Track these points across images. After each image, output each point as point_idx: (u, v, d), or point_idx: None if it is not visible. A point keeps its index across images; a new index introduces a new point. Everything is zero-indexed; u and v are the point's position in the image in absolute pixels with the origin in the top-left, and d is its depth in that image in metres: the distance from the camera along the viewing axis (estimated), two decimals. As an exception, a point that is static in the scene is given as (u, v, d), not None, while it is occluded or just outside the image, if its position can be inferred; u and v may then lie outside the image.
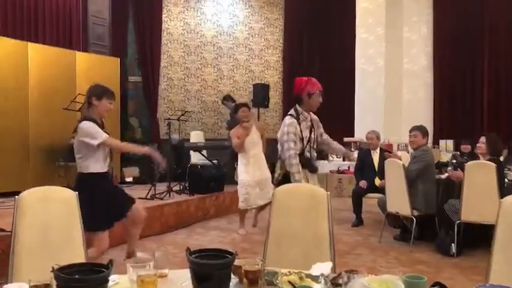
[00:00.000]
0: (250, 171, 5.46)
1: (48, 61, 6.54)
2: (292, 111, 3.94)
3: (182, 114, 6.95)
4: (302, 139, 3.87)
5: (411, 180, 4.80)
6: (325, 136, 4.22)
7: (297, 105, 3.93)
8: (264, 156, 5.63)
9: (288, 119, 3.89)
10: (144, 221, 3.85)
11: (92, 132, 3.29)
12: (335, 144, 4.34)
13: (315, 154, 4.06)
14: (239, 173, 5.58)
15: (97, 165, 3.37)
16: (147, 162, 7.31)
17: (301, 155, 3.85)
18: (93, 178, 3.36)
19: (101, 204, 3.28)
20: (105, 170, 3.46)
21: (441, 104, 9.54)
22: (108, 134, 3.42)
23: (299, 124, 3.84)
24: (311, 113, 3.99)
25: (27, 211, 2.08)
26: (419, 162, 4.90)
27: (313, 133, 3.97)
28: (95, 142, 3.28)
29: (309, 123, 3.94)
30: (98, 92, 3.39)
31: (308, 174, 3.90)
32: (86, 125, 3.31)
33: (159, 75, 9.64)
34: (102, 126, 3.43)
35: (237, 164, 5.85)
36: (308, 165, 3.90)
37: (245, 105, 5.78)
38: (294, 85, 3.97)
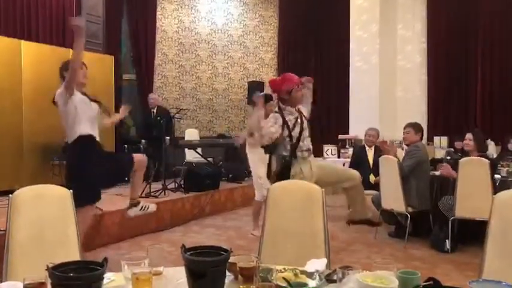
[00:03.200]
0: (263, 166, 5.21)
1: (42, 59, 6.50)
2: (276, 108, 3.92)
3: (177, 112, 6.94)
4: (290, 133, 3.79)
5: (404, 177, 4.82)
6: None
7: (280, 103, 3.88)
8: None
9: (272, 115, 3.85)
10: (145, 165, 3.83)
11: (59, 92, 3.44)
12: None
13: (309, 141, 3.94)
14: (257, 168, 5.20)
15: (84, 127, 3.40)
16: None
17: (296, 147, 3.79)
18: (81, 141, 3.39)
19: (91, 173, 3.31)
20: (93, 133, 3.47)
21: (435, 100, 9.56)
22: (98, 102, 3.53)
23: (284, 118, 3.77)
24: (300, 108, 3.94)
25: (21, 209, 2.07)
26: (412, 159, 4.93)
27: (304, 122, 3.89)
28: (61, 89, 3.42)
29: (296, 115, 3.86)
30: (65, 64, 3.55)
31: (302, 164, 3.83)
32: (60, 89, 3.47)
33: (154, 73, 9.63)
34: (86, 96, 3.51)
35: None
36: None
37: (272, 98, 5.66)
38: (272, 88, 3.93)
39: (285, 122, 3.77)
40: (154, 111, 7.77)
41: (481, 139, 4.77)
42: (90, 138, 3.41)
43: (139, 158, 3.76)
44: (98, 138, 3.49)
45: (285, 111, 3.82)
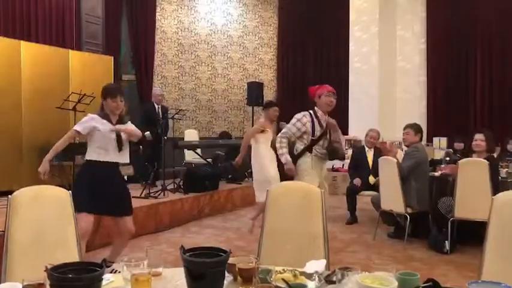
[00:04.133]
0: (273, 166, 5.16)
1: (42, 60, 6.51)
2: (310, 111, 4.32)
3: (176, 113, 6.92)
4: (313, 134, 4.22)
5: (404, 178, 4.82)
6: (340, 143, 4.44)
7: (315, 107, 4.32)
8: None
9: (301, 114, 4.29)
10: (131, 236, 3.83)
11: (81, 122, 3.57)
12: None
13: (324, 152, 4.33)
14: (265, 167, 5.18)
15: (93, 153, 3.55)
16: (142, 161, 7.30)
17: (311, 146, 4.23)
18: (87, 164, 3.58)
19: (83, 188, 3.42)
20: (102, 158, 3.53)
21: (435, 101, 9.58)
22: (118, 128, 3.56)
23: (313, 120, 4.22)
24: (328, 117, 4.35)
25: (20, 210, 2.07)
26: (411, 159, 4.93)
27: (327, 132, 4.29)
28: (72, 128, 3.59)
29: (323, 122, 4.27)
30: (103, 93, 3.61)
31: (314, 162, 4.24)
32: (87, 116, 3.60)
33: (153, 74, 9.63)
34: (118, 121, 3.61)
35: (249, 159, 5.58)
36: (333, 153, 4.34)
37: (277, 105, 5.73)
38: (309, 93, 4.42)
39: (312, 120, 4.23)
40: (159, 108, 7.35)
41: (492, 139, 4.71)
42: (96, 163, 3.54)
43: (130, 225, 3.74)
44: (108, 159, 3.55)
45: (317, 113, 4.28)
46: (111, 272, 3.72)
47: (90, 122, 3.53)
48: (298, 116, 4.28)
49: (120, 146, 3.57)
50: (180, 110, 7.21)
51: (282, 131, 4.36)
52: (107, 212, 3.60)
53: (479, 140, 4.66)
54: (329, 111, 4.35)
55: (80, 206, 3.27)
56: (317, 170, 4.27)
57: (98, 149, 3.53)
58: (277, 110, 5.51)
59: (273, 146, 4.98)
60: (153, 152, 6.90)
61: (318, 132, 4.23)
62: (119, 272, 3.77)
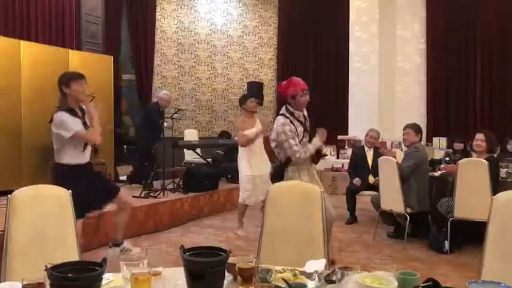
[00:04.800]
0: (254, 165, 5.30)
1: (41, 59, 6.50)
2: (283, 111, 3.91)
3: (175, 112, 6.90)
4: (297, 135, 3.85)
5: (404, 178, 4.82)
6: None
7: (287, 104, 3.91)
8: (264, 151, 5.51)
9: (281, 118, 3.84)
10: (130, 207, 3.81)
11: (64, 125, 3.34)
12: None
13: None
14: (242, 167, 5.35)
15: (71, 157, 3.41)
16: (142, 161, 7.30)
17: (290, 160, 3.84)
18: (65, 169, 3.41)
19: (75, 194, 3.34)
20: (80, 161, 3.47)
21: (434, 101, 9.58)
22: (85, 122, 3.44)
23: (292, 122, 3.81)
24: (306, 116, 4.00)
25: (19, 210, 2.07)
26: (411, 160, 4.93)
27: (307, 128, 3.96)
28: (67, 135, 3.34)
29: (302, 120, 3.91)
30: (65, 79, 3.43)
31: (300, 167, 3.87)
32: (60, 116, 3.36)
33: (153, 73, 9.63)
34: (82, 112, 3.47)
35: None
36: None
37: (252, 96, 5.75)
38: (279, 92, 3.99)
39: (292, 123, 3.80)
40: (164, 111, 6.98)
41: (493, 139, 4.70)
42: (76, 167, 3.44)
43: (127, 198, 3.72)
44: (84, 161, 3.49)
45: (294, 115, 3.84)
46: (121, 250, 3.73)
47: (71, 121, 3.38)
48: (280, 120, 3.81)
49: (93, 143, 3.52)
50: (179, 110, 7.18)
51: (293, 148, 3.74)
52: (102, 204, 3.60)
53: (479, 140, 4.65)
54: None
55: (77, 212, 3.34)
56: (305, 173, 3.87)
57: (74, 151, 3.43)
58: (253, 100, 5.45)
59: (268, 149, 4.99)
60: (151, 152, 6.94)
61: (301, 134, 3.85)
62: (131, 250, 3.76)
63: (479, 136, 4.66)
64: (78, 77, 3.44)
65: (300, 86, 3.82)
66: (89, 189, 3.46)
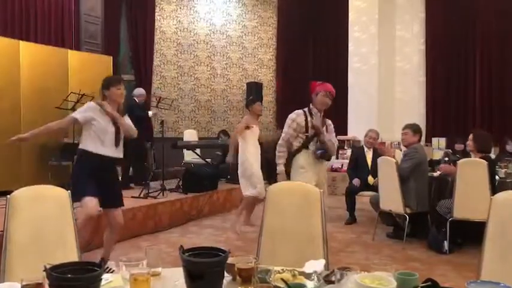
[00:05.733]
0: (255, 163, 5.49)
1: (41, 60, 6.51)
2: (306, 108, 4.29)
3: (159, 102, 7.03)
4: (307, 131, 4.18)
5: (403, 178, 4.83)
6: (330, 143, 4.31)
7: (310, 104, 4.29)
8: (259, 150, 5.64)
9: (297, 110, 4.28)
10: (120, 229, 3.85)
11: (81, 108, 3.63)
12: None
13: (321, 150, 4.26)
14: (248, 163, 5.43)
15: (89, 143, 3.58)
16: (141, 161, 7.30)
17: (307, 144, 4.20)
18: (82, 154, 3.61)
19: (83, 175, 3.52)
20: (100, 151, 3.57)
21: (434, 102, 9.58)
22: (117, 126, 3.60)
23: (306, 118, 4.19)
24: (326, 119, 4.33)
25: (19, 210, 2.06)
26: (410, 160, 4.93)
27: (318, 129, 4.22)
28: (69, 116, 3.67)
29: (318, 117, 4.24)
30: (105, 83, 3.66)
31: (310, 161, 4.19)
32: (88, 103, 3.67)
33: (152, 74, 9.63)
34: (119, 112, 3.65)
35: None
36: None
37: (260, 100, 6.15)
38: (310, 88, 4.37)
39: (305, 117, 4.21)
40: (145, 104, 7.50)
41: (482, 140, 4.72)
42: (92, 155, 3.58)
43: (121, 217, 3.76)
44: (106, 153, 3.59)
45: (312, 111, 4.26)
46: (106, 272, 3.73)
47: (88, 111, 3.57)
48: (291, 116, 4.27)
49: (117, 139, 3.61)
50: (161, 98, 7.31)
51: (281, 137, 4.31)
52: (101, 204, 3.61)
53: (469, 140, 4.75)
54: (325, 110, 4.33)
55: (83, 191, 3.44)
56: (314, 168, 4.20)
57: (94, 140, 3.56)
58: (260, 104, 5.78)
59: (265, 148, 5.19)
60: (140, 151, 6.99)
61: (310, 130, 4.20)
62: (113, 271, 3.79)
63: (470, 136, 4.77)
64: (117, 81, 3.68)
65: (326, 87, 4.27)
66: (96, 182, 3.48)
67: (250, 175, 5.42)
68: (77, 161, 3.71)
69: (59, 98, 6.04)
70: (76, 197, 3.32)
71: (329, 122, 4.38)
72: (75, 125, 3.79)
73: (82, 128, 3.67)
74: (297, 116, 4.23)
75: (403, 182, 4.82)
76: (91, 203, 3.45)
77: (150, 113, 7.13)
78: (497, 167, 4.93)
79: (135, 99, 7.39)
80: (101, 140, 3.56)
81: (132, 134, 3.76)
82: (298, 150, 4.22)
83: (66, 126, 3.89)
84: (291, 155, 4.24)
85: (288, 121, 4.27)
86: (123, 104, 3.74)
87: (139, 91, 7.56)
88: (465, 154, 5.92)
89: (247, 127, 5.47)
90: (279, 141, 4.31)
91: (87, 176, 3.50)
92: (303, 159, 4.19)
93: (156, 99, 7.37)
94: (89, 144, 3.57)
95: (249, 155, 5.46)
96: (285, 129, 4.28)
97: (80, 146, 3.64)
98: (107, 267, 3.71)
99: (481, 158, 4.54)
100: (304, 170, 4.15)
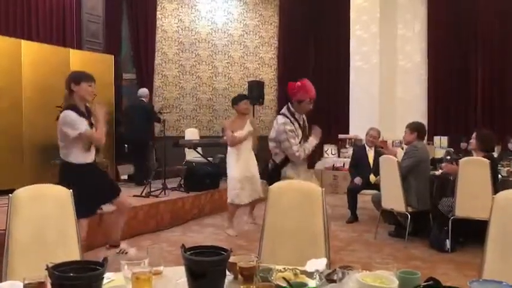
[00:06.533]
0: (242, 166, 5.32)
1: (42, 59, 6.51)
2: (285, 110, 3.95)
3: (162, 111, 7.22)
4: (297, 136, 3.90)
5: (403, 177, 4.82)
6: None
7: (289, 104, 3.95)
8: (253, 153, 5.51)
9: (281, 118, 3.89)
10: (128, 210, 3.85)
11: (71, 123, 3.37)
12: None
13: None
14: (230, 167, 5.37)
15: (78, 155, 3.44)
16: (142, 160, 7.30)
17: (288, 159, 3.88)
18: (72, 168, 3.44)
19: (79, 194, 3.35)
20: (86, 160, 3.51)
21: (435, 100, 9.57)
22: (91, 122, 3.47)
23: (292, 123, 3.86)
24: (305, 120, 4.06)
25: (21, 209, 2.07)
26: (410, 159, 4.93)
27: (305, 130, 4.02)
28: (73, 134, 3.37)
29: (301, 122, 3.98)
30: (76, 77, 3.49)
31: (300, 168, 3.95)
32: (67, 114, 3.40)
33: (154, 73, 9.62)
34: (88, 112, 3.49)
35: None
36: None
37: (246, 97, 5.77)
38: (287, 89, 4.00)
39: (292, 123, 3.85)
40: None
41: (486, 138, 4.71)
42: (82, 166, 3.47)
43: (126, 199, 3.76)
44: (90, 160, 3.52)
45: (295, 115, 3.90)
46: (118, 252, 3.75)
47: (80, 121, 3.41)
48: (285, 127, 3.83)
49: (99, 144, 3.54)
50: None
51: (293, 148, 3.83)
52: (104, 202, 3.62)
53: (472, 138, 4.74)
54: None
55: (80, 213, 3.37)
56: (303, 172, 3.97)
57: (80, 149, 3.45)
58: (246, 102, 5.51)
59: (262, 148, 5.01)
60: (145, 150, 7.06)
61: (299, 135, 3.92)
62: (127, 252, 3.79)
63: (474, 135, 4.75)
64: (90, 78, 3.51)
65: (310, 94, 3.88)
66: (96, 188, 3.49)
67: (229, 181, 5.38)
68: (68, 177, 3.43)
69: (60, 97, 5.97)
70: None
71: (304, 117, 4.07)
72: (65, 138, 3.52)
73: (60, 139, 3.49)
74: (288, 125, 3.84)
75: (404, 180, 4.82)
76: (84, 224, 3.42)
77: (161, 117, 7.18)
78: (499, 165, 4.92)
79: (143, 99, 7.56)
80: (85, 147, 3.46)
81: (101, 143, 3.60)
82: (284, 163, 3.89)
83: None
84: (275, 170, 3.91)
85: (286, 132, 3.81)
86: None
87: (145, 91, 7.68)
88: (467, 153, 5.91)
89: (232, 132, 5.32)
90: (294, 148, 3.82)
91: (83, 192, 3.43)
92: (291, 170, 3.89)
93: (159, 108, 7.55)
94: (75, 155, 3.45)
95: (231, 161, 5.35)
96: (292, 140, 3.81)
97: (66, 159, 3.47)
98: (121, 250, 3.71)
99: (483, 156, 4.53)
100: (296, 175, 3.88)
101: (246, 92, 9.90)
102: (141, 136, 7.25)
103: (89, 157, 3.52)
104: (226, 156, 5.56)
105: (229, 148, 5.45)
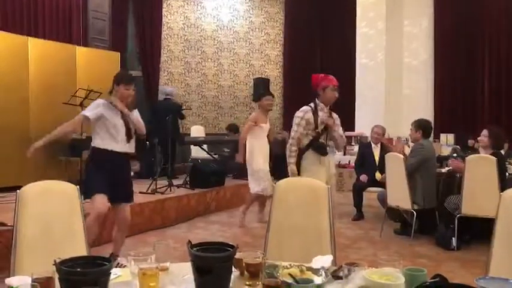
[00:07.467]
0: (264, 159, 5.54)
1: (48, 56, 6.53)
2: (311, 104, 4.21)
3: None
4: (316, 127, 4.12)
5: (409, 174, 4.80)
6: (339, 137, 4.31)
7: (316, 99, 4.21)
8: (268, 147, 5.69)
9: (304, 107, 4.20)
10: (128, 226, 3.87)
11: (90, 107, 3.62)
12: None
13: (330, 143, 4.27)
14: (254, 159, 5.48)
15: (100, 140, 3.58)
16: (149, 157, 7.31)
17: (316, 140, 4.13)
18: (94, 152, 3.62)
19: (95, 173, 3.54)
20: (111, 147, 3.57)
21: (442, 98, 9.52)
22: (126, 119, 3.59)
23: (314, 114, 4.11)
24: (333, 113, 4.27)
25: (28, 205, 2.08)
26: (415, 157, 4.91)
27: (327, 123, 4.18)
28: (80, 114, 3.63)
29: (327, 115, 4.18)
30: (117, 78, 3.64)
31: (320, 157, 4.14)
32: (96, 101, 3.64)
33: (160, 70, 9.65)
34: (127, 108, 3.62)
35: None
36: (319, 149, 4.14)
37: (270, 93, 5.97)
38: (311, 81, 4.26)
39: (313, 113, 4.13)
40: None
41: (497, 136, 4.68)
42: (102, 151, 3.58)
43: (128, 216, 3.78)
44: (117, 149, 3.59)
45: (318, 107, 4.18)
46: (117, 266, 3.76)
47: (98, 108, 3.56)
48: (299, 114, 4.17)
49: (129, 136, 3.60)
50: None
51: (291, 136, 4.20)
52: (112, 199, 3.62)
53: (483, 135, 4.70)
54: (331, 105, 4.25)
55: (94, 189, 3.48)
56: (320, 165, 4.13)
57: (105, 137, 3.56)
58: (270, 99, 5.66)
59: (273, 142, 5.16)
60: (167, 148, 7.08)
61: (320, 126, 4.13)
62: (125, 266, 3.81)
63: (484, 132, 4.71)
64: (129, 80, 3.64)
65: (333, 82, 4.17)
66: (109, 176, 3.50)
67: (255, 172, 5.49)
68: (89, 159, 3.72)
69: (67, 94, 6.06)
70: (87, 194, 3.42)
71: (335, 115, 4.29)
72: (85, 123, 3.75)
73: (92, 126, 3.65)
74: (304, 114, 4.14)
75: (410, 178, 4.80)
76: (101, 200, 3.46)
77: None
78: (506, 163, 4.89)
79: (171, 97, 7.81)
80: (112, 136, 3.56)
81: (141, 131, 3.73)
82: (304, 150, 4.14)
83: (78, 126, 3.89)
84: (300, 153, 4.15)
85: (296, 119, 4.17)
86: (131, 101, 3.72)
87: (173, 90, 7.92)
88: (473, 150, 5.88)
89: (256, 123, 5.47)
90: (290, 141, 4.21)
91: (98, 173, 3.51)
92: (306, 160, 4.13)
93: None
94: (101, 141, 3.57)
95: (256, 152, 5.48)
96: (294, 128, 4.18)
97: (92, 144, 3.63)
98: (118, 263, 3.74)
99: (491, 154, 4.50)
100: (306, 170, 4.10)
101: (251, 89, 9.93)
102: (171, 134, 7.27)
103: (117, 146, 3.58)
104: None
105: (251, 143, 5.51)
